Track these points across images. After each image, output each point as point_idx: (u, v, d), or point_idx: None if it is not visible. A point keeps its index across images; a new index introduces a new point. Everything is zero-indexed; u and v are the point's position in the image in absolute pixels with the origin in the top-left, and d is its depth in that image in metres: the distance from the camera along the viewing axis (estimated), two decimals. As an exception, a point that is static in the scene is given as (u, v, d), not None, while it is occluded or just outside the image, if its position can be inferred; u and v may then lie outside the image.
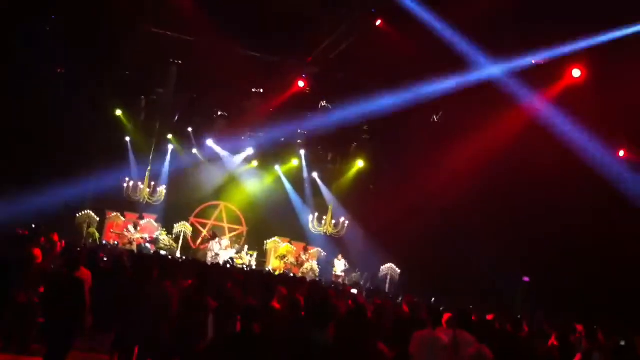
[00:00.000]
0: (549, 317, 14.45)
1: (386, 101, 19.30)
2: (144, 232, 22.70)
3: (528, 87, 15.86)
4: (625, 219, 15.97)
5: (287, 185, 26.01)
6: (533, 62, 15.18)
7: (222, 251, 22.61)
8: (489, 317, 11.67)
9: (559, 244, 17.65)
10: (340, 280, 22.15)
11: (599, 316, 13.30)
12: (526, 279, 20.06)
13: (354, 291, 13.72)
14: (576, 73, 14.61)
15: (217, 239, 23.06)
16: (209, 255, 22.24)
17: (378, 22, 15.10)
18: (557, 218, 17.41)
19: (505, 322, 10.68)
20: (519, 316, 11.55)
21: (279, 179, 26.05)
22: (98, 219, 22.67)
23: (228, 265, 18.99)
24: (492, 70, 15.99)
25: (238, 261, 22.27)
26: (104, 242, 21.57)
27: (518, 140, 18.55)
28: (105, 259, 13.22)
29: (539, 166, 17.06)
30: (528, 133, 17.50)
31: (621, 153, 17.43)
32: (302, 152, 25.30)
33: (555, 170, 16.66)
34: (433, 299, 16.77)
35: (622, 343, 9.55)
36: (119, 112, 23.11)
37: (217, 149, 24.94)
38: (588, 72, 14.53)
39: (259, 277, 13.30)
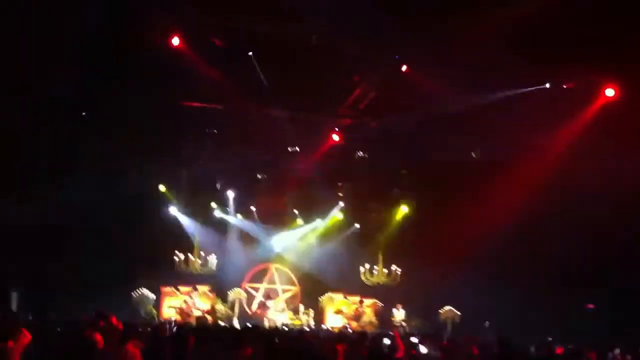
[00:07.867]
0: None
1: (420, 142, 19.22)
2: (201, 303, 22.62)
3: (562, 111, 15.64)
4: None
5: (333, 240, 25.79)
6: (564, 86, 15.02)
7: (277, 314, 22.41)
8: (559, 350, 11.35)
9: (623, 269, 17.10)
10: (400, 329, 21.70)
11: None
12: (591, 306, 19.41)
13: (414, 339, 13.38)
14: (610, 92, 14.37)
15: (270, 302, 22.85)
16: (266, 321, 21.93)
17: (404, 68, 15.22)
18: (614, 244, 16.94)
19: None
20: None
21: (323, 234, 25.88)
22: (154, 296, 22.59)
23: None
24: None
25: (296, 322, 22.08)
26: (161, 320, 21.12)
27: (562, 167, 18.25)
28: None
29: (587, 191, 16.66)
30: (571, 158, 17.20)
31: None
32: (342, 204, 25.21)
33: (605, 194, 16.26)
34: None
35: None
36: (162, 188, 23.34)
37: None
38: (622, 90, 14.28)
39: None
